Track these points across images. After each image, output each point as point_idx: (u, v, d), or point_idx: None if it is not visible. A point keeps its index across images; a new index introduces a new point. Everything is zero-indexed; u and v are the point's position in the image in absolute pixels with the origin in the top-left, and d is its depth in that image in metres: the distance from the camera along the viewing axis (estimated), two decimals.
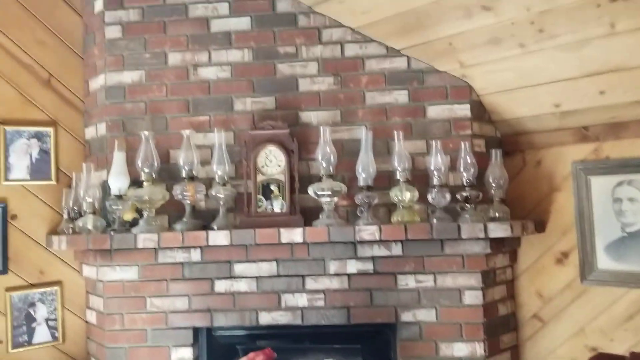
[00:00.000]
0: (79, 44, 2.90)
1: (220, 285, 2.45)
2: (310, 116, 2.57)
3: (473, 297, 2.28)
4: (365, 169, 2.34)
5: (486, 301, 2.29)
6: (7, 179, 2.65)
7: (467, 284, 2.28)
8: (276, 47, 2.61)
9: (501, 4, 2.11)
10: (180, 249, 2.44)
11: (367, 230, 2.24)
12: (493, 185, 2.34)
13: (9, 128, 2.67)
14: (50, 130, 2.77)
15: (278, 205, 2.45)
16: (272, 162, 2.48)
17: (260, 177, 2.48)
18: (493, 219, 2.27)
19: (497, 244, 2.30)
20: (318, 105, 2.57)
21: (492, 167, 2.36)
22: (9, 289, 2.60)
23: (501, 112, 2.50)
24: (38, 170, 2.73)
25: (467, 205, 2.28)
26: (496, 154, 2.38)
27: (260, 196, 2.47)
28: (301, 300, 2.39)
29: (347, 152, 2.46)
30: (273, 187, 2.47)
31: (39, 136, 2.74)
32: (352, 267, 2.36)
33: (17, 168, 2.68)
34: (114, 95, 2.70)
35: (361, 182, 2.34)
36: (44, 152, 2.75)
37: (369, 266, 2.35)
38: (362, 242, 2.31)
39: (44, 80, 2.80)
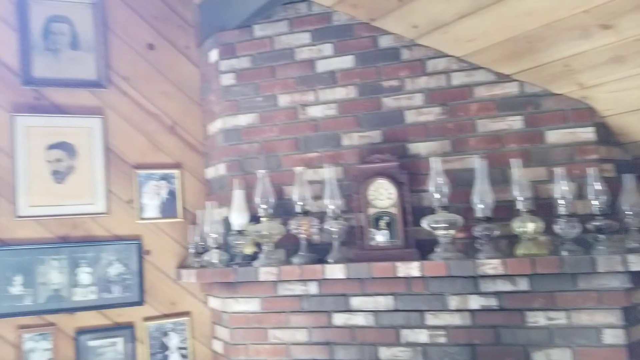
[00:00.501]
0: (197, 92, 2.86)
1: (338, 319, 2.24)
2: (418, 147, 2.31)
3: (614, 337, 1.87)
4: (482, 199, 2.04)
5: (630, 341, 1.88)
6: (141, 218, 2.63)
7: (605, 321, 1.89)
8: (380, 82, 2.40)
9: (621, 21, 1.76)
10: (298, 282, 2.28)
11: (490, 264, 1.93)
12: (628, 213, 1.93)
13: (141, 172, 2.66)
14: (176, 172, 2.73)
15: (391, 238, 2.21)
16: (383, 194, 2.25)
17: (371, 210, 2.26)
18: (632, 250, 1.87)
19: (638, 278, 1.89)
20: (426, 136, 2.31)
21: (625, 193, 1.96)
22: (146, 319, 2.56)
23: (631, 134, 2.10)
24: (167, 209, 2.69)
25: (600, 235, 1.90)
26: (629, 179, 1.98)
27: (372, 229, 2.24)
28: (421, 336, 2.12)
29: (460, 183, 2.17)
30: (385, 220, 2.23)
31: (166, 178, 2.71)
32: (475, 302, 2.05)
33: (150, 207, 2.66)
34: (231, 137, 2.61)
35: (479, 213, 2.05)
36: (172, 192, 2.71)
37: (492, 302, 2.03)
38: (485, 277, 2.00)
39: (168, 127, 2.77)
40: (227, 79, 2.65)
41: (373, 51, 2.42)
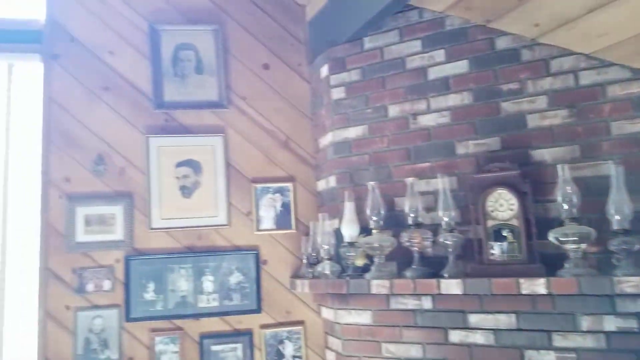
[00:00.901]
0: (308, 107, 2.93)
1: (455, 336, 2.13)
2: (543, 154, 2.13)
3: None
4: (619, 210, 1.82)
5: None
6: (258, 229, 2.74)
7: None
8: (498, 86, 2.26)
9: None
10: (411, 296, 2.20)
11: (630, 282, 1.71)
12: None
13: (258, 185, 2.78)
14: (289, 185, 2.81)
15: (513, 253, 2.05)
16: (503, 206, 2.10)
17: (490, 223, 2.12)
18: None
19: None
20: (551, 141, 2.12)
21: None
22: (262, 327, 2.66)
23: None
24: (281, 220, 2.78)
25: None
26: None
27: (492, 242, 2.10)
28: (548, 357, 1.93)
29: (591, 192, 1.96)
30: (506, 233, 2.08)
31: (281, 191, 2.81)
32: (611, 324, 1.83)
33: (266, 219, 2.77)
34: (341, 149, 2.63)
35: (615, 225, 1.83)
36: (286, 205, 2.79)
37: (632, 324, 1.79)
38: (623, 296, 1.77)
39: (282, 142, 2.87)
40: (337, 93, 2.69)
41: (489, 54, 2.29)
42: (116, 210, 2.62)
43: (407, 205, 2.25)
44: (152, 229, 2.65)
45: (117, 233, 2.60)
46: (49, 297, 2.52)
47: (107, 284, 2.55)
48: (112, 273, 2.57)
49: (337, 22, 2.69)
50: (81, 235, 2.57)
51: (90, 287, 2.53)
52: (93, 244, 2.57)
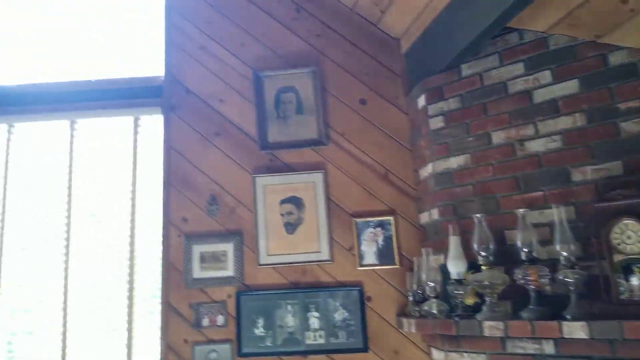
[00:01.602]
0: (407, 139, 2.89)
1: None
2: None
3: None
4: None
5: None
6: (361, 265, 2.72)
7: None
8: (615, 105, 2.05)
9: None
10: (530, 340, 2.01)
11: None
12: None
13: (359, 220, 2.78)
14: (390, 219, 2.77)
15: None
16: (631, 238, 1.87)
17: (617, 257, 1.89)
18: None
19: None
20: None
21: None
22: None
23: None
24: (384, 255, 2.73)
25: None
26: None
27: (621, 280, 1.86)
28: None
29: None
30: (637, 269, 1.83)
31: (382, 225, 2.77)
32: None
33: (368, 254, 2.74)
34: (443, 181, 2.54)
35: None
36: (387, 239, 2.75)
37: None
38: None
39: (382, 175, 2.85)
40: (436, 123, 2.62)
41: (602, 71, 2.10)
42: (228, 248, 2.77)
43: (519, 238, 2.09)
44: (260, 265, 2.75)
45: (229, 269, 2.74)
46: (169, 330, 2.71)
47: (220, 319, 2.68)
48: (225, 308, 2.70)
49: (433, 51, 2.65)
50: (197, 272, 2.75)
51: (205, 321, 2.68)
52: (208, 280, 2.74)
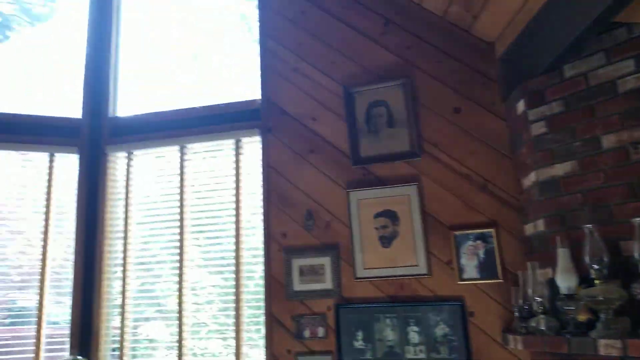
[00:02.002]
0: (507, 146, 2.78)
1: None
2: None
3: None
4: None
5: None
6: (461, 279, 2.66)
7: None
8: None
9: None
10: None
11: None
12: None
13: (457, 233, 2.71)
14: (491, 231, 2.67)
15: None
16: None
17: None
18: None
19: None
20: None
21: None
22: None
23: None
24: (486, 269, 2.64)
25: None
26: None
27: None
28: None
29: None
30: None
31: (483, 237, 2.69)
32: None
33: (469, 268, 2.67)
34: (548, 189, 2.41)
35: None
36: (489, 252, 2.66)
37: None
38: None
39: (480, 185, 2.77)
40: (538, 128, 2.50)
41: None
42: (325, 261, 2.85)
43: (636, 250, 1.92)
44: (356, 278, 2.79)
45: (327, 282, 2.81)
46: (273, 341, 2.84)
47: (321, 331, 2.75)
48: (325, 320, 2.77)
49: (531, 53, 2.54)
50: (297, 285, 2.86)
51: (306, 333, 2.77)
52: (307, 293, 2.83)
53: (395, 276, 2.74)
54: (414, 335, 2.63)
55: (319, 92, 3.16)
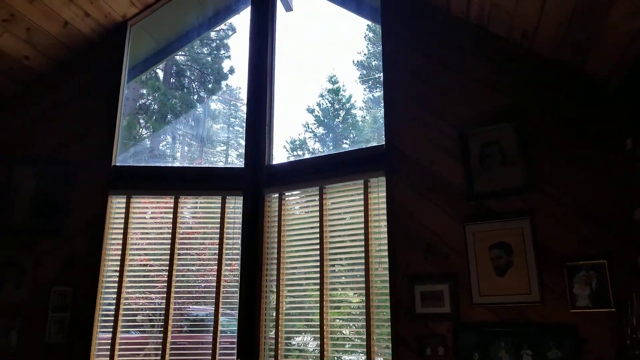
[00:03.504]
0: (620, 181, 2.94)
1: None
2: None
3: None
4: None
5: None
6: (574, 307, 2.88)
7: None
8: None
9: None
10: None
11: None
12: None
13: (569, 263, 2.95)
14: (604, 262, 2.86)
15: None
16: None
17: None
18: None
19: None
20: None
21: None
22: None
23: None
24: (598, 298, 2.83)
25: None
26: None
27: None
28: None
29: None
30: None
31: (595, 268, 2.88)
32: None
33: (581, 297, 2.88)
34: None
35: None
36: (602, 282, 2.84)
37: None
38: None
39: (593, 219, 2.98)
40: None
41: None
42: (444, 288, 3.28)
43: None
44: (473, 304, 3.17)
45: (446, 307, 3.24)
46: (399, 358, 3.33)
47: (441, 350, 3.19)
48: (445, 341, 3.20)
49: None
50: (419, 308, 3.33)
51: (428, 351, 3.23)
52: (428, 316, 3.29)
53: (509, 303, 3.06)
54: (527, 358, 2.92)
55: (436, 136, 3.62)
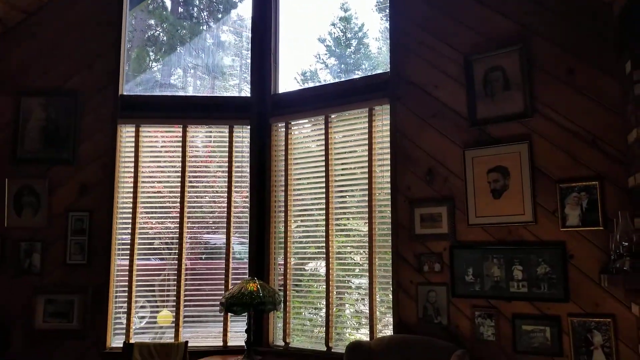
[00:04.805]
0: (618, 105, 3.11)
1: None
2: None
3: None
4: None
5: None
6: (564, 226, 3.16)
7: None
8: None
9: None
10: None
11: None
12: None
13: (563, 185, 3.19)
14: (596, 183, 3.09)
15: None
16: None
17: None
18: None
19: None
20: None
21: None
22: (570, 315, 3.06)
23: None
24: (588, 218, 3.09)
25: None
26: None
27: None
28: None
29: None
30: None
31: (587, 189, 3.12)
32: None
33: (571, 217, 3.15)
34: None
35: None
36: (592, 202, 3.09)
37: None
38: None
39: (589, 142, 3.17)
40: None
41: None
42: (442, 210, 3.57)
43: None
44: (469, 225, 3.46)
45: (443, 228, 3.55)
46: (399, 274, 3.69)
47: (437, 266, 3.53)
48: (441, 258, 3.53)
49: None
50: (418, 229, 3.64)
51: (426, 267, 3.57)
52: (427, 236, 3.60)
53: (503, 223, 3.35)
54: (517, 273, 3.24)
55: (440, 61, 3.78)
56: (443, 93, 3.73)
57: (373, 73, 4.15)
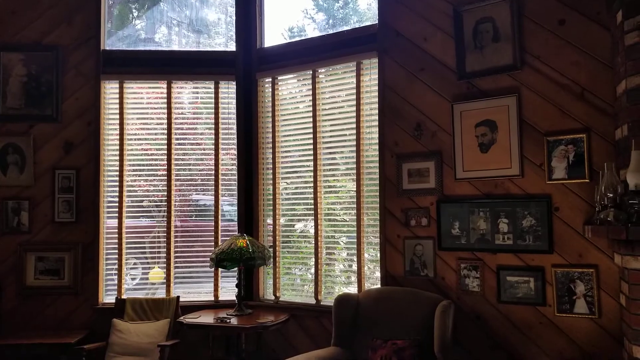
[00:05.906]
0: (608, 56, 3.05)
1: None
2: None
3: None
4: None
5: None
6: (550, 179, 3.15)
7: None
8: None
9: None
10: None
11: None
12: None
13: (550, 138, 3.16)
14: (583, 136, 3.07)
15: None
16: None
17: None
18: None
19: None
20: None
21: None
22: (554, 266, 3.09)
23: None
24: (574, 170, 3.08)
25: None
26: None
27: None
28: None
29: None
30: None
31: (574, 142, 3.10)
32: None
33: (558, 170, 3.13)
34: (634, 97, 2.72)
35: None
36: (579, 155, 3.07)
37: None
38: None
39: (578, 94, 3.13)
40: (631, 38, 2.76)
41: None
42: (429, 165, 3.55)
43: None
44: (456, 179, 3.45)
45: (431, 182, 3.53)
46: (387, 228, 3.70)
47: (424, 221, 3.53)
48: (428, 213, 3.53)
49: None
50: (406, 184, 3.63)
51: (413, 222, 3.58)
52: (414, 191, 3.59)
53: (490, 177, 3.33)
54: (503, 226, 3.25)
55: (430, 13, 3.66)
56: (432, 45, 3.64)
57: (361, 26, 4.02)
